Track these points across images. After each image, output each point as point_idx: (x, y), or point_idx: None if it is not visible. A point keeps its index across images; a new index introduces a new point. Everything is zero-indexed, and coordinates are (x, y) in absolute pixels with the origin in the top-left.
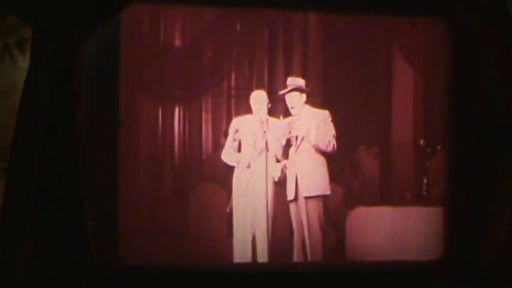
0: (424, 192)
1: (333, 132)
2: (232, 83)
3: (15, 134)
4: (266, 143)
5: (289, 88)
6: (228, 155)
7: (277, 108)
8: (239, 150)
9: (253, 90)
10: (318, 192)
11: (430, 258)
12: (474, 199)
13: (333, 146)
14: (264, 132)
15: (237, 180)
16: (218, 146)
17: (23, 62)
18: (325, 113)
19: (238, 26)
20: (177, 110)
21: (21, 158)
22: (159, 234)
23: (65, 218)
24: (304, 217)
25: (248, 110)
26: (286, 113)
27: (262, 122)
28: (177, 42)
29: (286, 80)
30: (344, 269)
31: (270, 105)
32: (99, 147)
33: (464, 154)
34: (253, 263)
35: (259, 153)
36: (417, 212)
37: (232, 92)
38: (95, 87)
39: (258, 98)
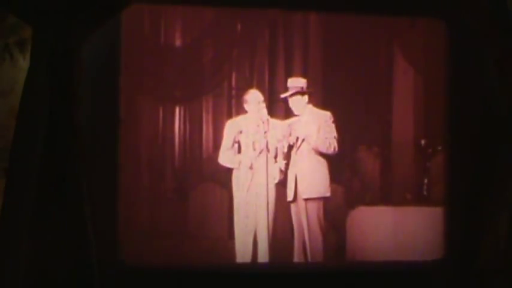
0: (425, 192)
1: (335, 133)
2: (233, 84)
3: (15, 134)
4: (267, 143)
5: (291, 91)
6: (226, 157)
7: (278, 108)
8: (239, 152)
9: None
10: (317, 195)
11: (430, 258)
12: (474, 199)
13: (334, 148)
14: (265, 132)
15: (237, 181)
16: (219, 146)
17: (23, 62)
18: (327, 114)
19: (238, 26)
20: (177, 110)
21: (22, 158)
22: (159, 234)
23: (65, 218)
24: (304, 218)
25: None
26: (287, 113)
27: (263, 122)
28: (177, 42)
29: (286, 80)
30: (344, 269)
31: (265, 104)
32: (99, 147)
33: (464, 154)
34: (253, 263)
35: (259, 154)
36: (418, 212)
37: (233, 92)
38: (95, 87)
39: (254, 98)
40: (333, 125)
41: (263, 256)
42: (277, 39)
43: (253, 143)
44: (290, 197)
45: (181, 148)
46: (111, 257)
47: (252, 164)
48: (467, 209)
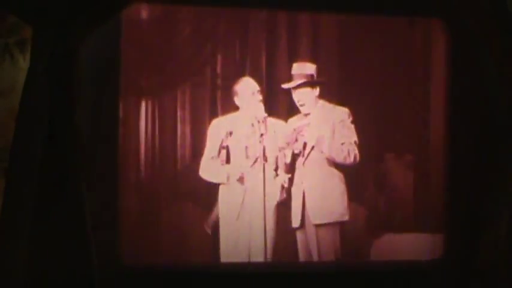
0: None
1: (355, 137)
2: (218, 70)
3: (15, 134)
4: (264, 149)
5: (296, 81)
6: (210, 170)
7: (280, 103)
8: (227, 161)
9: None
10: (332, 219)
11: (430, 258)
12: (474, 199)
13: (354, 156)
14: (261, 135)
15: (225, 200)
16: (199, 155)
17: (23, 62)
18: (344, 112)
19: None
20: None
21: (21, 158)
22: (159, 233)
23: (65, 218)
24: (314, 249)
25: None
26: (292, 111)
27: (259, 122)
28: (177, 42)
29: (290, 66)
30: (343, 269)
31: (261, 98)
32: (99, 147)
33: (464, 154)
34: (251, 262)
35: (254, 164)
36: None
37: (218, 81)
38: (95, 87)
39: (247, 89)
40: (352, 126)
41: None
42: (278, 15)
43: (246, 148)
44: (296, 223)
45: (148, 156)
46: (111, 257)
47: (243, 178)
48: (466, 209)
